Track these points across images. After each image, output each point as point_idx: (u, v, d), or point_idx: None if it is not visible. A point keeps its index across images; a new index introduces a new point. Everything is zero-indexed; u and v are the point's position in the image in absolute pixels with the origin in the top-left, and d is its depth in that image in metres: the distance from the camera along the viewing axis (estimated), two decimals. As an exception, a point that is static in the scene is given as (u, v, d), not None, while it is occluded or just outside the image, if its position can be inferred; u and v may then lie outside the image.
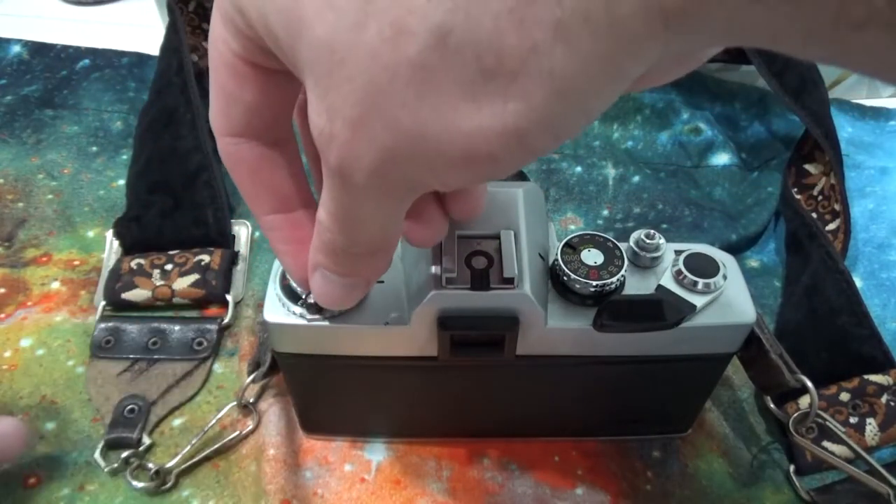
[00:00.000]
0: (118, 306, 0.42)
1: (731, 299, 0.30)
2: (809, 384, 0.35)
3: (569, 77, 0.14)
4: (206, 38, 0.55)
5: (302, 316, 0.29)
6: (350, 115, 0.16)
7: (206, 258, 0.43)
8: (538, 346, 0.29)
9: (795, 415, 0.36)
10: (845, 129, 0.52)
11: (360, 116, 0.16)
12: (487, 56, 0.14)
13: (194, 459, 0.36)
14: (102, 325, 0.41)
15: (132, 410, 0.38)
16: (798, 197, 0.47)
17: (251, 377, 0.36)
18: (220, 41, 0.20)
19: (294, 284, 0.29)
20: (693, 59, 0.18)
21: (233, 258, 0.44)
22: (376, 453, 0.37)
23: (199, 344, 0.40)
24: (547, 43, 0.14)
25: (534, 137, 0.16)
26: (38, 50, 0.57)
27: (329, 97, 0.16)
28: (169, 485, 0.35)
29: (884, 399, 0.37)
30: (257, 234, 0.46)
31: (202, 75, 0.55)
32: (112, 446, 0.36)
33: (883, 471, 0.34)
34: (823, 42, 0.13)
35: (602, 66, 0.14)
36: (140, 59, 0.57)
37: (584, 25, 0.14)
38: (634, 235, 0.30)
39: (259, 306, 0.42)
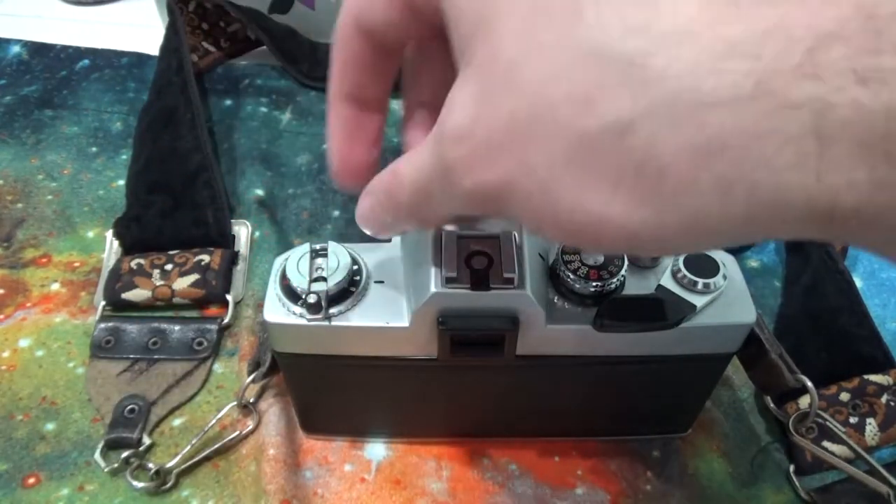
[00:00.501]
0: (118, 306, 0.42)
1: (731, 299, 0.30)
2: (809, 384, 0.35)
3: (701, 218, 0.15)
4: (206, 38, 0.55)
5: (302, 316, 0.29)
6: (495, 138, 0.17)
7: (206, 258, 0.43)
8: (538, 346, 0.29)
9: (795, 415, 0.36)
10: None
11: (506, 144, 0.16)
12: (651, 164, 0.15)
13: (194, 459, 0.36)
14: (102, 325, 0.41)
15: (132, 410, 0.38)
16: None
17: (251, 377, 0.36)
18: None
19: (294, 285, 0.29)
20: None
21: (233, 258, 0.44)
22: (376, 453, 0.37)
23: (199, 344, 0.40)
24: (703, 188, 0.14)
25: (642, 245, 0.16)
26: (38, 50, 0.57)
27: (484, 107, 0.17)
28: (169, 485, 0.35)
29: (884, 399, 0.37)
30: (257, 234, 0.46)
31: (202, 75, 0.55)
32: (112, 446, 0.36)
33: (883, 471, 0.34)
34: None
35: (744, 225, 0.15)
36: (140, 59, 0.57)
37: (737, 189, 0.14)
38: (634, 235, 0.30)
39: (259, 306, 0.42)
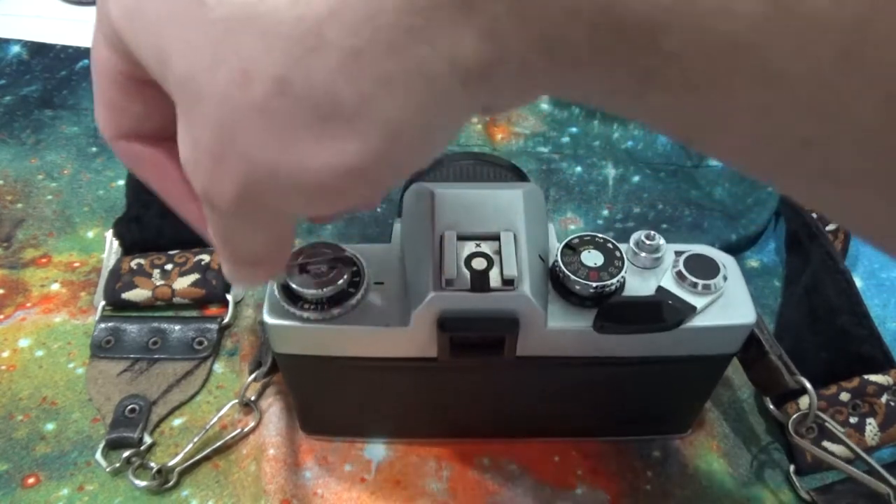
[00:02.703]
0: (118, 306, 0.42)
1: (732, 300, 0.30)
2: (809, 386, 0.34)
3: (398, 122, 0.16)
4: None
5: (301, 318, 0.29)
6: (210, 149, 0.17)
7: (206, 258, 0.43)
8: (538, 347, 0.29)
9: (795, 415, 0.36)
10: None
11: (218, 151, 0.17)
12: (325, 104, 0.16)
13: (195, 459, 0.36)
14: (102, 326, 0.41)
15: (133, 410, 0.38)
16: (798, 197, 0.47)
17: (252, 376, 0.36)
18: (104, 58, 0.20)
19: (294, 286, 0.29)
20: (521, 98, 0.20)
21: (233, 258, 0.44)
22: (376, 453, 0.37)
23: (200, 343, 0.40)
24: (376, 94, 0.16)
25: (376, 173, 0.17)
26: (38, 50, 0.57)
27: (192, 130, 0.17)
28: (171, 483, 0.35)
29: (884, 399, 0.37)
30: (257, 234, 0.45)
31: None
32: (113, 446, 0.37)
33: (883, 471, 0.34)
34: (596, 103, 0.16)
35: (427, 114, 0.16)
36: (140, 58, 0.57)
37: (406, 80, 0.15)
38: (634, 236, 0.30)
39: (259, 306, 0.42)
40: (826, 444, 0.36)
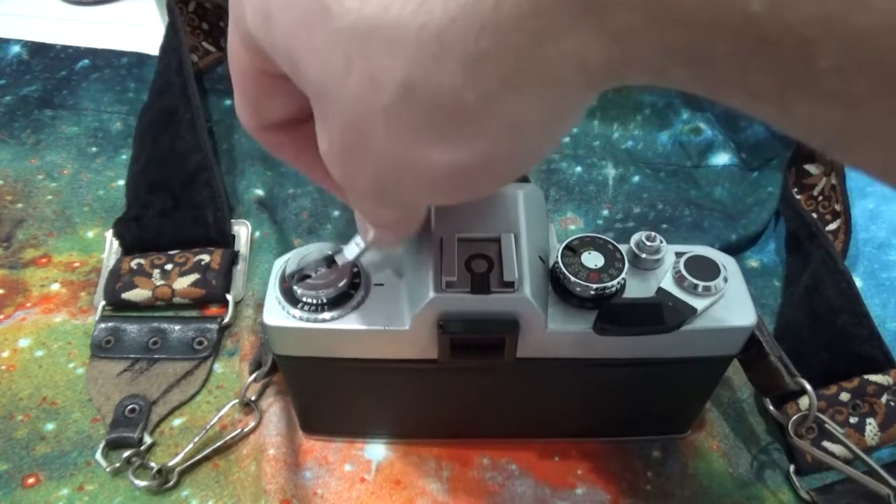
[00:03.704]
0: (118, 306, 0.42)
1: (732, 302, 0.30)
2: (809, 387, 0.35)
3: (524, 122, 0.17)
4: (206, 38, 0.55)
5: (301, 319, 0.29)
6: (344, 147, 0.19)
7: (206, 258, 0.43)
8: (538, 349, 0.29)
9: (795, 416, 0.36)
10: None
11: (351, 149, 0.18)
12: (449, 104, 0.16)
13: (195, 459, 0.36)
14: (102, 326, 0.41)
15: (133, 410, 0.38)
16: (798, 197, 0.47)
17: (253, 376, 0.36)
18: (241, 58, 0.21)
19: (294, 287, 0.29)
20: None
21: (233, 258, 0.44)
22: (376, 453, 0.37)
23: (200, 343, 0.40)
24: (502, 96, 0.16)
25: (501, 168, 0.18)
26: (38, 50, 0.57)
27: (327, 128, 0.19)
28: (171, 483, 0.35)
29: (884, 399, 0.37)
30: (257, 233, 0.46)
31: (202, 75, 0.55)
32: (113, 446, 0.37)
33: (882, 471, 0.34)
34: (731, 102, 0.15)
35: (553, 113, 0.17)
36: (140, 59, 0.57)
37: (533, 82, 0.16)
38: (635, 237, 0.30)
39: (259, 306, 0.42)
40: (826, 444, 0.36)
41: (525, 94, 0.16)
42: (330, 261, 0.29)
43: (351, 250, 0.28)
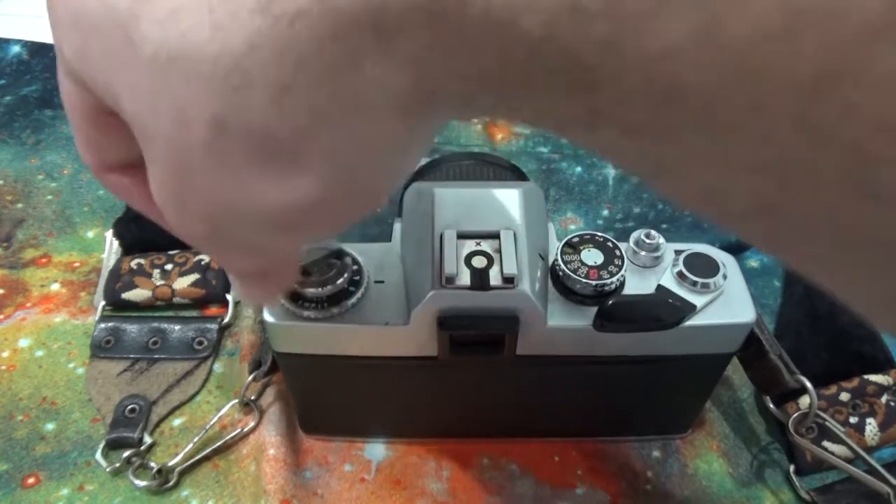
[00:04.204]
0: (118, 306, 0.42)
1: (732, 299, 0.30)
2: (809, 385, 0.34)
3: (344, 154, 0.16)
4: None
5: (301, 316, 0.29)
6: (170, 190, 0.17)
7: (206, 258, 0.43)
8: (538, 345, 0.29)
9: (795, 415, 0.36)
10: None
11: (177, 191, 0.17)
12: (265, 140, 0.15)
13: (195, 458, 0.36)
14: (102, 326, 0.41)
15: (133, 410, 0.38)
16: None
17: (252, 375, 0.36)
18: (71, 93, 0.19)
19: (294, 285, 0.29)
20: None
21: (233, 258, 0.44)
22: (376, 453, 0.37)
23: (200, 343, 0.40)
24: (314, 128, 0.15)
25: (337, 205, 0.17)
26: (38, 50, 0.57)
27: (152, 169, 0.17)
28: (171, 483, 0.35)
29: (884, 399, 0.37)
30: (257, 234, 0.46)
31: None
32: (113, 446, 0.36)
33: (883, 471, 0.34)
34: (548, 130, 0.15)
35: (372, 144, 0.16)
36: (140, 59, 0.57)
37: (342, 112, 0.15)
38: (634, 235, 0.30)
39: (259, 306, 0.42)
40: (826, 443, 0.36)
41: (338, 126, 0.15)
42: (333, 262, 0.29)
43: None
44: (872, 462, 0.34)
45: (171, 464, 0.35)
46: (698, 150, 0.13)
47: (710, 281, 0.29)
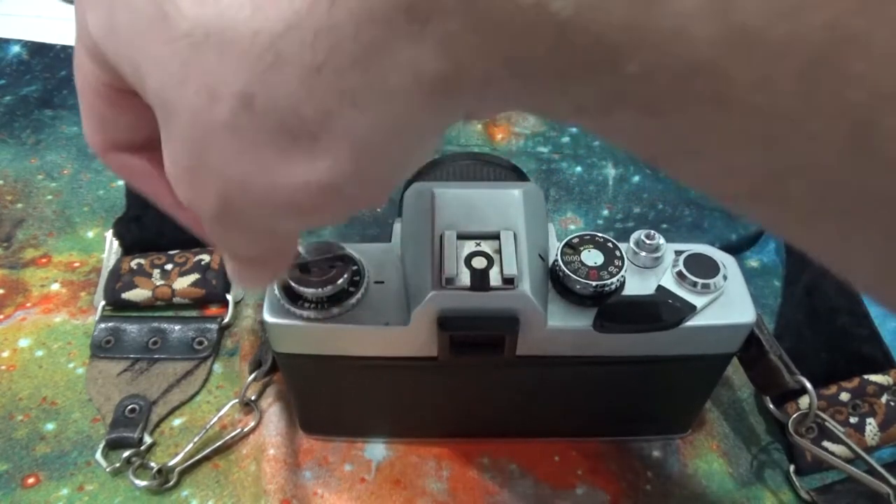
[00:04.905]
0: (118, 306, 0.42)
1: (732, 299, 0.30)
2: (809, 385, 0.34)
3: (367, 138, 0.16)
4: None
5: (301, 317, 0.29)
6: (186, 165, 0.17)
7: (206, 258, 0.43)
8: (538, 346, 0.29)
9: (795, 415, 0.36)
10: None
11: (194, 167, 0.17)
12: (290, 119, 0.15)
13: (195, 459, 0.36)
14: (102, 326, 0.41)
15: (133, 410, 0.38)
16: (798, 197, 0.47)
17: (252, 375, 0.36)
18: (87, 71, 0.20)
19: (294, 285, 0.29)
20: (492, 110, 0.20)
21: (233, 258, 0.44)
22: (376, 453, 0.37)
23: (200, 343, 0.40)
24: (341, 110, 0.15)
25: (351, 190, 0.17)
26: (38, 50, 0.57)
27: (169, 144, 0.17)
28: (171, 483, 0.35)
29: (884, 399, 0.37)
30: (257, 234, 0.46)
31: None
32: (113, 446, 0.36)
33: (883, 471, 0.34)
34: (563, 119, 0.15)
35: (395, 129, 0.16)
36: (140, 59, 0.57)
37: (371, 95, 0.15)
38: (634, 236, 0.30)
39: (259, 306, 0.42)
40: (826, 443, 0.36)
41: (365, 109, 0.15)
42: (333, 262, 0.29)
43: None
44: (872, 462, 0.34)
45: (171, 464, 0.35)
46: (714, 125, 0.13)
47: (711, 281, 0.29)
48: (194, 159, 0.17)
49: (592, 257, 0.29)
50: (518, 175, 0.38)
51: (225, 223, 0.19)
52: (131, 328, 0.41)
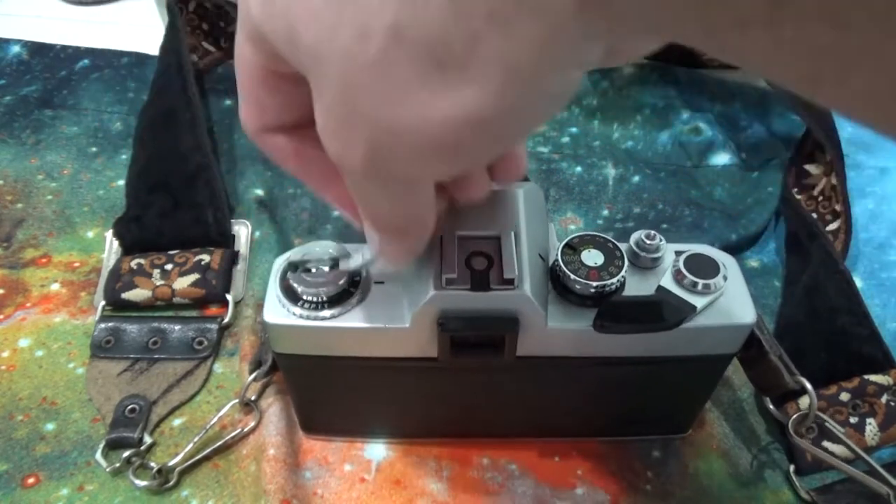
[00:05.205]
0: (118, 306, 0.42)
1: (732, 300, 0.30)
2: (809, 386, 0.34)
3: (515, 61, 0.16)
4: (206, 38, 0.55)
5: (302, 317, 0.29)
6: (338, 114, 0.18)
7: (206, 258, 0.43)
8: (538, 347, 0.29)
9: (795, 415, 0.36)
10: (846, 128, 0.52)
11: (345, 115, 0.18)
12: (437, 47, 0.16)
13: (195, 459, 0.36)
14: (102, 325, 0.41)
15: (133, 410, 0.38)
16: (798, 197, 0.47)
17: (253, 375, 0.36)
18: (247, 57, 0.22)
19: (294, 284, 0.29)
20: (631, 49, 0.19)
21: (233, 258, 0.44)
22: (376, 453, 0.37)
23: (200, 343, 0.40)
24: (488, 32, 0.15)
25: (498, 123, 0.17)
26: (38, 50, 0.57)
27: (322, 98, 0.18)
28: (171, 483, 0.35)
29: (884, 399, 0.37)
30: (257, 233, 0.46)
31: (202, 75, 0.55)
32: (113, 446, 0.36)
33: (882, 471, 0.34)
34: (719, 39, 0.14)
35: (544, 49, 0.16)
36: (140, 59, 0.57)
37: (519, 14, 0.15)
38: (634, 236, 0.30)
39: (259, 306, 0.42)
40: (826, 444, 0.36)
41: (513, 30, 0.15)
42: (334, 262, 0.29)
43: (356, 260, 0.28)
44: (872, 462, 0.34)
45: (171, 464, 0.35)
46: (866, 33, 0.12)
47: (711, 282, 0.29)
48: (345, 105, 0.17)
49: (592, 257, 0.29)
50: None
51: (372, 176, 0.19)
52: (131, 328, 0.41)
